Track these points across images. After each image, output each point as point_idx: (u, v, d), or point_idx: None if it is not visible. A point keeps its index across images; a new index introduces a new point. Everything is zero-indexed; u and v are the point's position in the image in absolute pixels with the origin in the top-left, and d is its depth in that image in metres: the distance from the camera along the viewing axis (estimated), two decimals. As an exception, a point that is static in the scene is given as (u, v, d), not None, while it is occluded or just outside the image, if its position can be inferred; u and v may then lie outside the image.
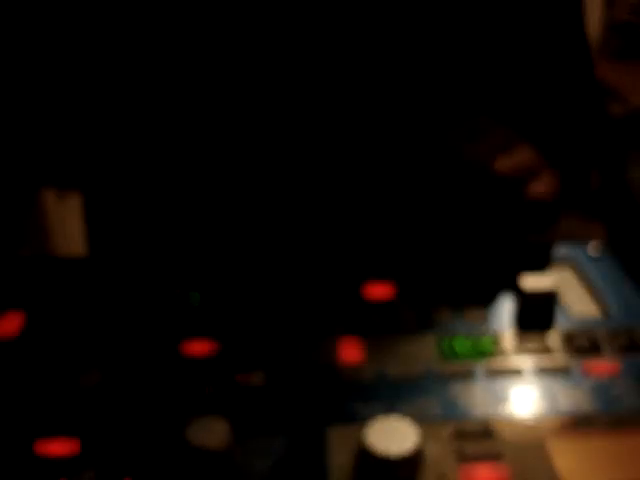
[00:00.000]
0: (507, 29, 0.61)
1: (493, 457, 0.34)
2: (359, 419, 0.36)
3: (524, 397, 0.38)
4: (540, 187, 0.51)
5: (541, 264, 0.48)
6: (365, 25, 0.57)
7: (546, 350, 0.42)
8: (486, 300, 0.46)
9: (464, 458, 0.34)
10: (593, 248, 0.52)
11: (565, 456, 0.34)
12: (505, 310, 0.45)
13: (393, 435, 0.33)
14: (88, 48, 0.53)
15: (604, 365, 0.41)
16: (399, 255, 0.51)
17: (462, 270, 0.49)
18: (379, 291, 0.47)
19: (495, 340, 0.42)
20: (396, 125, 0.59)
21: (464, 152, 0.51)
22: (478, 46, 0.60)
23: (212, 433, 0.33)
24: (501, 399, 0.38)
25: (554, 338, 0.43)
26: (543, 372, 0.40)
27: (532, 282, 0.45)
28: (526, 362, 0.41)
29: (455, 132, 0.53)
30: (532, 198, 0.51)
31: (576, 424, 0.37)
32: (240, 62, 0.56)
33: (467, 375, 0.40)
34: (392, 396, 0.38)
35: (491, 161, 0.51)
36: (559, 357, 0.41)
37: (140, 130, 0.49)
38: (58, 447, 0.35)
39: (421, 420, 0.36)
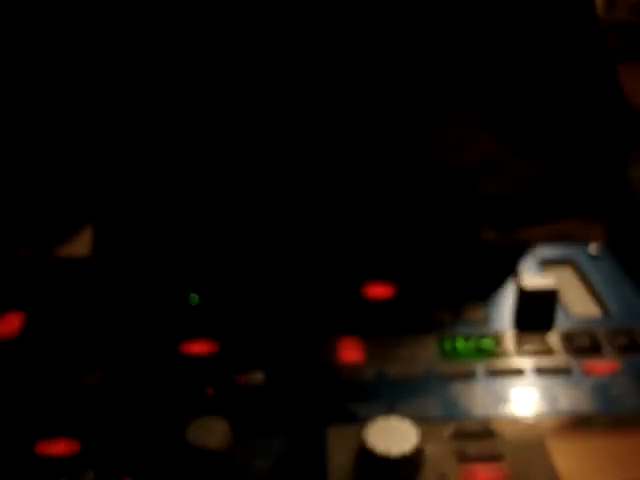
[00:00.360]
0: (511, 23, 0.61)
1: (493, 457, 0.34)
2: (359, 419, 0.36)
3: (524, 397, 0.38)
4: (485, 186, 0.50)
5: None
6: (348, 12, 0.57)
7: (546, 350, 0.42)
8: (486, 299, 0.46)
9: (464, 458, 0.34)
10: (593, 248, 0.52)
11: (565, 456, 0.34)
12: (505, 310, 0.45)
13: (393, 435, 0.33)
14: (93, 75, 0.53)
15: (604, 365, 0.41)
16: (399, 255, 0.51)
17: (460, 269, 0.49)
18: (379, 291, 0.47)
19: (495, 340, 0.42)
20: (378, 116, 0.59)
21: (422, 146, 0.50)
22: (475, 37, 0.60)
23: (212, 433, 0.33)
24: (501, 399, 0.38)
25: (554, 338, 0.43)
26: (543, 372, 0.40)
27: (532, 282, 0.45)
28: (526, 362, 0.41)
29: (418, 121, 0.52)
30: (485, 194, 0.50)
31: (576, 424, 0.37)
32: (234, 65, 0.56)
33: (467, 375, 0.40)
34: (392, 396, 0.38)
35: (445, 155, 0.50)
36: (559, 357, 0.41)
37: (141, 135, 0.49)
38: (58, 447, 0.35)
39: (421, 420, 0.36)
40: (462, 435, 0.35)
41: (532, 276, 0.46)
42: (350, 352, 0.41)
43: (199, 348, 0.42)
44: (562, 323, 0.44)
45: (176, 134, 0.47)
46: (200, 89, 0.49)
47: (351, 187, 0.60)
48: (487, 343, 0.42)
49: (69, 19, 0.53)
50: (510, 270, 0.48)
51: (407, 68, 0.58)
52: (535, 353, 0.41)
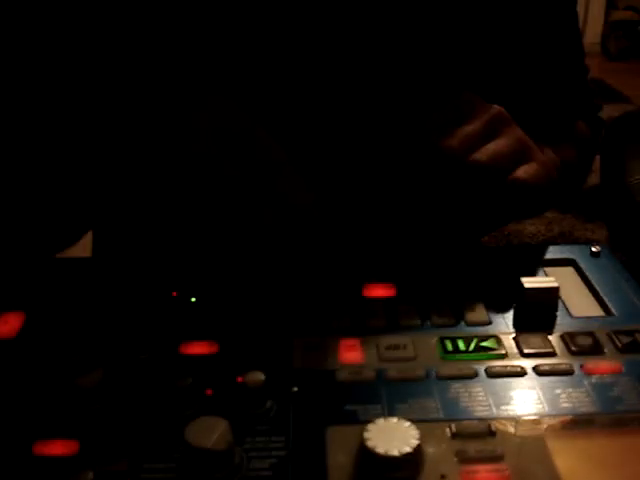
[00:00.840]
0: (503, 16, 0.61)
1: (494, 457, 0.34)
2: (359, 419, 0.36)
3: (525, 397, 0.38)
4: (522, 173, 0.50)
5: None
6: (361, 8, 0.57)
7: (547, 350, 0.42)
8: (487, 300, 0.46)
9: (464, 458, 0.34)
10: (594, 248, 0.52)
11: (565, 456, 0.34)
12: (506, 310, 0.45)
13: (393, 435, 0.33)
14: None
15: (605, 365, 0.40)
16: (399, 256, 0.51)
17: (461, 269, 0.49)
18: (379, 291, 0.47)
19: (496, 340, 0.42)
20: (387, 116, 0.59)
21: (443, 141, 0.49)
22: (475, 32, 0.60)
23: (212, 433, 0.33)
24: (502, 399, 0.38)
25: (555, 338, 0.43)
26: (544, 372, 0.40)
27: (533, 282, 0.45)
28: (527, 362, 0.41)
29: (437, 115, 0.51)
30: (514, 186, 0.49)
31: (577, 424, 0.36)
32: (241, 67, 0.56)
33: (468, 375, 0.40)
34: (392, 396, 0.38)
35: (469, 151, 0.49)
36: (560, 357, 0.41)
37: (141, 141, 0.49)
38: (57, 447, 0.35)
39: (421, 420, 0.36)
40: (462, 435, 0.35)
41: (533, 276, 0.46)
42: (350, 352, 0.41)
43: (199, 348, 0.42)
44: (563, 323, 0.44)
45: (175, 136, 0.47)
46: (201, 95, 0.49)
47: (351, 186, 0.60)
48: (488, 343, 0.42)
49: (70, 22, 0.53)
50: (511, 270, 0.48)
51: (417, 68, 0.59)
52: (536, 353, 0.41)
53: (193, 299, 0.46)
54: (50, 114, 0.53)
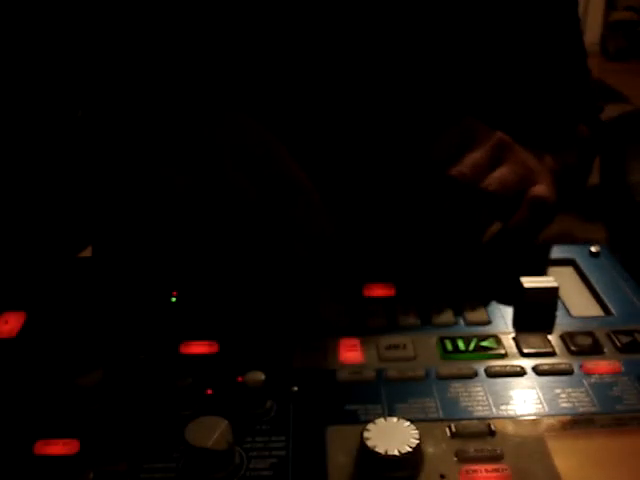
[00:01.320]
0: (502, 30, 0.61)
1: (493, 457, 0.34)
2: (359, 419, 0.36)
3: (524, 397, 0.38)
4: (540, 190, 0.50)
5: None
6: (365, 26, 0.57)
7: (547, 350, 0.42)
8: (486, 299, 0.46)
9: (464, 458, 0.34)
10: (593, 248, 0.52)
11: (565, 456, 0.34)
12: (506, 310, 0.45)
13: (393, 435, 0.33)
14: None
15: (605, 365, 0.40)
16: (399, 256, 0.51)
17: (462, 270, 0.49)
18: (379, 291, 0.47)
19: (496, 340, 0.42)
20: (392, 130, 0.59)
21: (453, 169, 0.50)
22: (475, 47, 0.60)
23: (212, 433, 0.33)
24: (501, 399, 0.38)
25: (555, 338, 0.43)
26: (544, 372, 0.40)
27: (533, 282, 0.45)
28: (527, 362, 0.41)
29: (441, 142, 0.52)
30: (536, 202, 0.50)
31: (576, 424, 0.37)
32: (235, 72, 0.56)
33: (467, 375, 0.40)
34: (392, 396, 0.38)
35: (479, 178, 0.50)
36: (560, 357, 0.41)
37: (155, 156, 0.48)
38: (57, 447, 0.35)
39: (421, 420, 0.36)
40: (462, 435, 0.35)
41: (533, 276, 0.46)
42: (350, 352, 0.41)
43: (199, 348, 0.42)
44: (563, 323, 0.44)
45: (191, 152, 0.47)
46: (219, 111, 0.49)
47: (351, 186, 0.60)
48: (488, 343, 0.42)
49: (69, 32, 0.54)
50: (511, 270, 0.48)
51: (419, 77, 0.59)
52: (536, 353, 0.41)
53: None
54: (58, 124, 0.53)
